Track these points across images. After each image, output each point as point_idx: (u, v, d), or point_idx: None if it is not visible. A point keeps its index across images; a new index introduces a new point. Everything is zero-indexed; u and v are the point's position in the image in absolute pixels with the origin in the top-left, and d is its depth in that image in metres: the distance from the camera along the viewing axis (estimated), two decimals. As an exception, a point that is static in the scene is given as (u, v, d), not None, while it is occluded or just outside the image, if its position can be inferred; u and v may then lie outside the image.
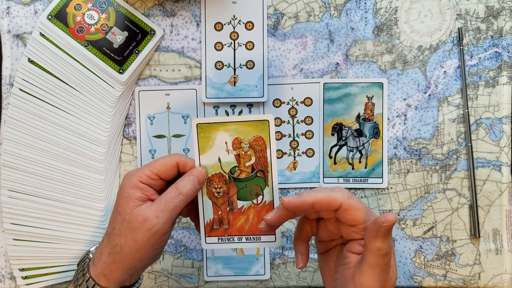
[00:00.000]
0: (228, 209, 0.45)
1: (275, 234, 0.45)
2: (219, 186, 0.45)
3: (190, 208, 0.47)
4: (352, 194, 0.40)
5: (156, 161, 0.44)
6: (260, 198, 0.45)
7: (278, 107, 0.58)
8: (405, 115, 0.57)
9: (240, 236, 0.46)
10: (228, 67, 0.57)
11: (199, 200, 0.45)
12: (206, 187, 0.45)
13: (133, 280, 0.46)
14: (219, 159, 0.45)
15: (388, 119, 0.57)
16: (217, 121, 0.44)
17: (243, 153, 0.44)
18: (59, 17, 0.56)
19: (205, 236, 0.46)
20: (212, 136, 0.44)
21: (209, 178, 0.45)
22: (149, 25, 0.57)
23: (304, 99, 0.58)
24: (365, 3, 0.57)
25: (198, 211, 0.46)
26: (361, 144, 0.57)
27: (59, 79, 0.56)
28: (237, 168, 0.45)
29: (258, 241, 0.46)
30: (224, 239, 0.46)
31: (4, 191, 0.55)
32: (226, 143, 0.44)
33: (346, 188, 0.57)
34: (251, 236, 0.46)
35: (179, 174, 0.45)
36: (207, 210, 0.45)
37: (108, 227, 0.44)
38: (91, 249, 0.50)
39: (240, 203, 0.45)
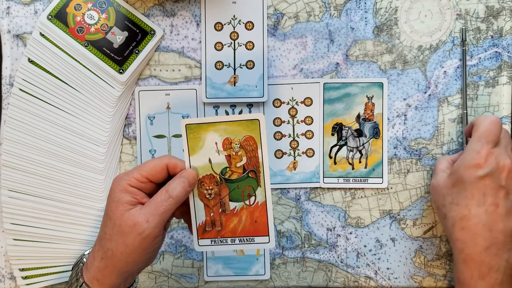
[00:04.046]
0: (220, 210, 0.45)
1: (268, 235, 0.45)
2: (210, 187, 0.44)
3: (183, 210, 0.46)
4: (495, 123, 0.47)
5: (146, 163, 0.44)
6: (252, 199, 0.44)
7: (278, 107, 0.58)
8: (405, 115, 0.57)
9: (233, 238, 0.45)
10: (228, 67, 0.57)
11: (190, 202, 0.45)
12: (197, 189, 0.44)
13: (127, 284, 0.46)
14: (209, 160, 0.44)
15: (388, 119, 0.57)
16: (207, 122, 0.43)
17: (234, 153, 0.44)
18: (59, 17, 0.56)
19: (198, 239, 0.45)
20: (201, 137, 0.43)
21: (200, 179, 0.44)
22: (149, 25, 0.57)
23: (304, 99, 0.58)
24: (365, 3, 0.57)
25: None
26: (361, 144, 0.57)
27: (59, 79, 0.56)
28: (228, 169, 0.44)
29: (252, 242, 0.45)
30: (217, 241, 0.45)
31: (4, 191, 0.55)
32: (216, 143, 0.44)
33: (346, 188, 0.58)
34: (245, 238, 0.45)
35: (170, 177, 0.44)
36: (199, 212, 0.45)
37: (100, 231, 0.44)
38: (85, 253, 0.50)
39: (232, 204, 0.45)
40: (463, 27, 0.56)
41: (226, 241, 0.45)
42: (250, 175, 0.44)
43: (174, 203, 0.42)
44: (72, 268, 0.48)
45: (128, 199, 0.42)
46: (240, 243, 0.45)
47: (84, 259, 0.47)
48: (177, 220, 0.58)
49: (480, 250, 0.45)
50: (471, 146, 0.47)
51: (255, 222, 0.45)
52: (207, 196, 0.45)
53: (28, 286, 0.56)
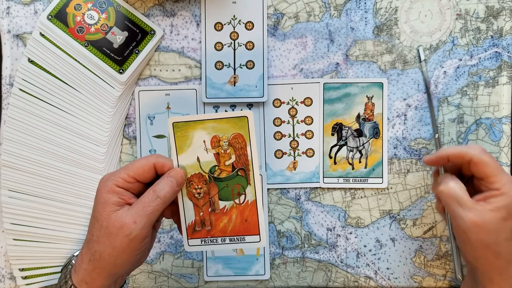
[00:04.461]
0: (209, 210, 0.44)
1: (259, 234, 0.44)
2: (199, 186, 0.44)
3: (173, 210, 0.45)
4: (486, 152, 0.45)
5: (133, 163, 0.43)
6: (242, 197, 0.44)
7: (278, 107, 0.58)
8: (405, 115, 0.57)
9: (223, 237, 0.44)
10: (228, 67, 0.57)
11: (179, 201, 0.44)
12: (186, 188, 0.44)
13: (117, 286, 0.45)
14: (198, 158, 0.43)
15: (388, 119, 0.57)
16: (194, 119, 0.42)
17: (222, 151, 0.43)
18: (59, 17, 0.56)
19: (188, 239, 0.45)
20: (189, 135, 0.43)
21: (188, 178, 0.44)
22: (149, 25, 0.57)
23: (304, 99, 0.58)
24: (365, 3, 0.57)
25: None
26: (361, 144, 0.57)
27: (59, 79, 0.56)
28: (217, 168, 0.44)
29: (242, 241, 0.44)
30: (207, 241, 0.45)
31: (4, 191, 0.55)
32: (204, 141, 0.43)
33: (346, 188, 0.58)
34: (235, 237, 0.44)
35: (158, 176, 0.43)
36: (188, 212, 0.44)
37: (87, 233, 0.43)
38: (74, 254, 0.49)
39: (222, 204, 0.44)
40: (420, 46, 0.55)
41: (216, 240, 0.45)
42: (239, 173, 0.43)
43: (162, 203, 0.41)
44: (61, 269, 0.48)
45: (115, 200, 0.41)
46: (231, 242, 0.44)
47: (73, 261, 0.46)
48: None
49: None
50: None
51: (246, 221, 0.44)
52: (196, 196, 0.44)
53: (28, 286, 0.56)
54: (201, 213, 0.44)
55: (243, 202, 0.44)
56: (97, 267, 0.42)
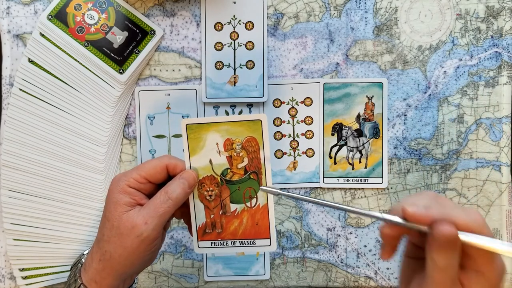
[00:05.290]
0: (220, 212, 0.44)
1: (270, 238, 0.44)
2: (210, 189, 0.44)
3: (184, 211, 0.45)
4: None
5: (145, 164, 0.43)
6: (253, 201, 0.44)
7: (278, 107, 0.58)
8: (405, 115, 0.57)
9: (233, 240, 0.44)
10: (228, 67, 0.57)
11: (190, 203, 0.44)
12: (198, 190, 0.44)
13: (126, 285, 0.45)
14: (210, 161, 0.43)
15: (388, 119, 0.57)
16: (208, 122, 0.42)
17: (235, 154, 0.43)
18: (59, 17, 0.56)
19: (198, 240, 0.45)
20: (202, 137, 0.43)
21: (200, 180, 0.43)
22: (149, 25, 0.57)
23: (304, 99, 0.58)
24: (365, 3, 0.57)
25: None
26: (361, 144, 0.57)
27: (59, 79, 0.56)
28: (229, 170, 0.43)
29: (253, 245, 0.44)
30: (217, 243, 0.45)
31: (4, 191, 0.55)
32: (217, 144, 0.43)
33: (346, 188, 0.57)
34: (245, 240, 0.44)
35: (169, 177, 0.43)
36: (199, 214, 0.44)
37: (98, 233, 0.43)
38: (84, 253, 0.49)
39: (233, 206, 0.44)
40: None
41: (226, 243, 0.45)
42: (251, 176, 0.43)
43: (173, 205, 0.41)
44: (71, 268, 0.48)
45: (126, 200, 0.41)
46: (241, 245, 0.44)
47: (83, 260, 0.46)
48: (177, 220, 0.58)
49: None
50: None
51: (256, 225, 0.44)
52: (208, 198, 0.44)
53: (28, 286, 0.56)
54: (212, 216, 0.44)
55: (254, 206, 0.44)
56: (107, 267, 0.42)
